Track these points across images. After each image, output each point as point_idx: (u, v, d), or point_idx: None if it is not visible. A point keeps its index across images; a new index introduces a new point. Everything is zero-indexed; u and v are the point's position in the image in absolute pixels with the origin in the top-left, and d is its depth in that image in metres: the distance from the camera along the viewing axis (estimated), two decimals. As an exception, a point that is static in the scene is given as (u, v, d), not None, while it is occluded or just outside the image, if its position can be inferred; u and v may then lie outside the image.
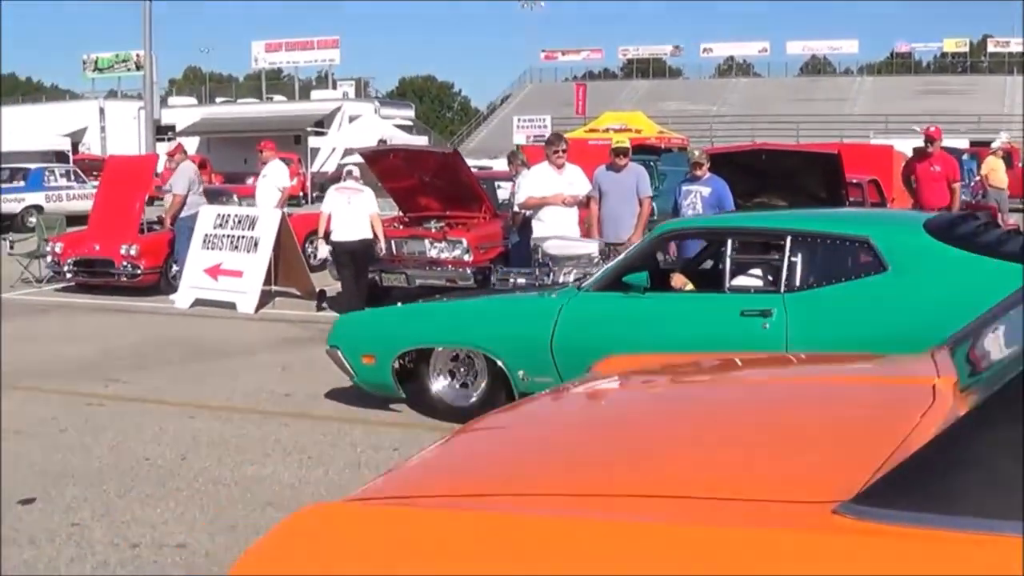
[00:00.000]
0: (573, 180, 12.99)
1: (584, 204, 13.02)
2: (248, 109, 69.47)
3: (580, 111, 62.33)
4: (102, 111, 68.48)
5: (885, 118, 65.46)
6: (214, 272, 15.66)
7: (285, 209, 16.73)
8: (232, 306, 15.54)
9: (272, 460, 8.08)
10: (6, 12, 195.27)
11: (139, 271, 17.18)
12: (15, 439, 8.86)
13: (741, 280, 8.28)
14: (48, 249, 18.44)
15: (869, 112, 71.65)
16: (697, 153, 13.81)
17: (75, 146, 55.25)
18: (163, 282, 17.28)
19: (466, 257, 14.77)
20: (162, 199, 21.24)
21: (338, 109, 63.91)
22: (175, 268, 17.06)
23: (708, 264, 9.21)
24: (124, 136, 62.45)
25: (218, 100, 77.40)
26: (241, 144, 58.07)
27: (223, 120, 65.83)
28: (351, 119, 59.35)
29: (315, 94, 73.00)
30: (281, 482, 7.51)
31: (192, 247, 16.01)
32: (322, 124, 60.68)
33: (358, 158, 18.23)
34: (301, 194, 43.44)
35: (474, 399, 8.85)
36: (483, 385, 8.90)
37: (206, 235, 15.88)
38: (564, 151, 13.04)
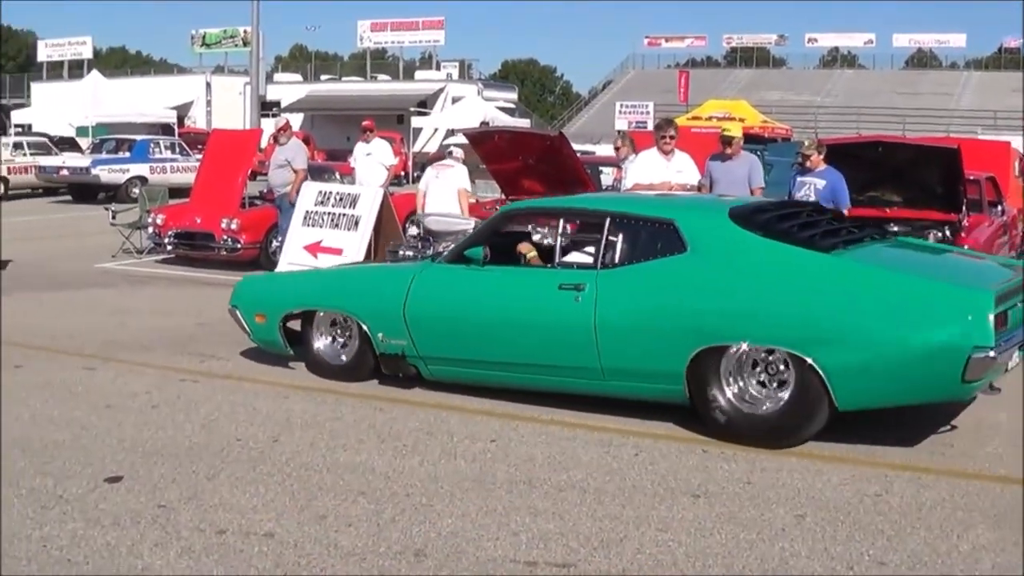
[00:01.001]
0: (682, 168, 12.55)
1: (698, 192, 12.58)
2: (352, 87, 69.65)
3: (682, 98, 61.57)
4: (208, 86, 69.10)
5: (993, 114, 63.75)
6: (314, 249, 15.45)
7: (387, 188, 16.48)
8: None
9: (366, 447, 7.78)
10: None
11: (239, 245, 17.06)
12: (106, 413, 8.69)
13: (572, 256, 9.07)
14: (150, 220, 18.42)
15: (975, 107, 69.81)
16: (807, 143, 13.29)
17: (181, 119, 55.85)
18: (263, 257, 17.16)
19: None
20: (265, 174, 21.19)
21: (442, 90, 63.74)
22: (275, 243, 16.91)
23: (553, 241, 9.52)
24: (229, 111, 62.99)
25: (323, 78, 77.64)
26: (344, 122, 58.23)
27: (327, 97, 66.04)
28: (454, 100, 59.19)
29: (419, 74, 73.02)
30: (374, 470, 7.21)
31: (292, 223, 15.84)
32: (425, 104, 60.58)
33: (461, 139, 17.94)
34: (402, 174, 43.32)
35: (345, 358, 9.82)
36: (354, 345, 9.71)
37: (307, 212, 15.69)
38: (672, 137, 12.59)
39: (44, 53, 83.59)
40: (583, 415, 8.61)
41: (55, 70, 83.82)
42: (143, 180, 31.69)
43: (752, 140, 24.36)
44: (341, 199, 15.51)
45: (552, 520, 6.31)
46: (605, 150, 34.82)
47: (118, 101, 45.48)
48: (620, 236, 8.49)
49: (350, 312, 9.64)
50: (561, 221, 9.16)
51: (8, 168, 34.14)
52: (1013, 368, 7.69)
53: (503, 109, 54.76)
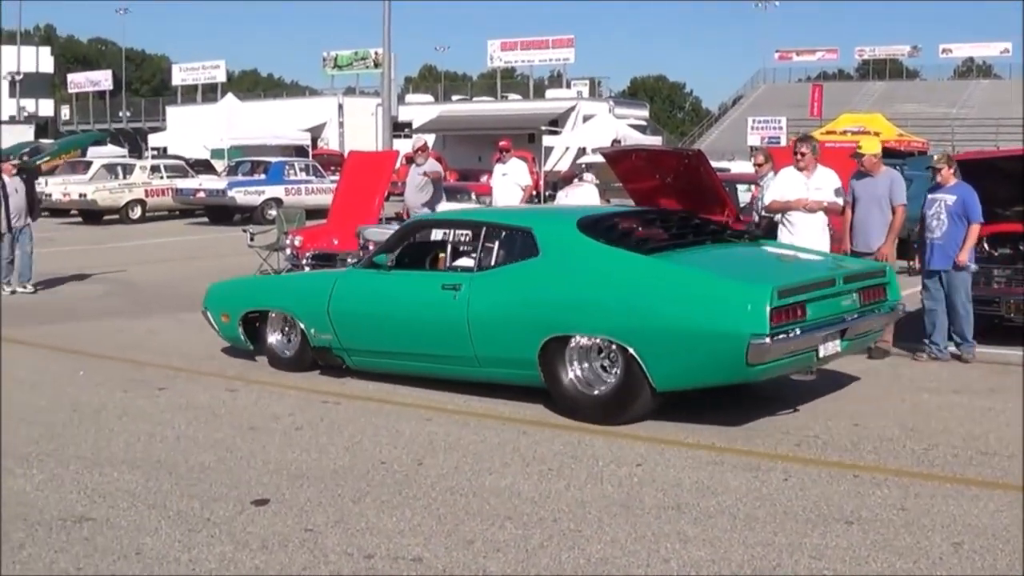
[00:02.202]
0: (821, 184, 12.29)
1: (839, 211, 12.33)
2: (483, 107, 70.11)
3: (815, 112, 60.77)
4: (341, 107, 70.18)
5: None
6: (450, 270, 15.54)
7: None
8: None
9: (511, 470, 7.76)
10: (254, 11, 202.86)
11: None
12: (250, 435, 8.81)
13: (460, 261, 10.65)
14: (287, 242, 18.67)
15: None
16: (936, 157, 12.93)
17: (314, 141, 56.72)
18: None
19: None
20: (399, 194, 21.38)
21: (572, 108, 63.82)
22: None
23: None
24: (362, 132, 63.86)
25: (454, 98, 78.41)
26: (475, 142, 58.67)
27: (459, 118, 66.57)
28: (585, 118, 59.17)
29: (549, 93, 73.23)
30: (520, 495, 7.18)
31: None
32: (556, 123, 60.67)
33: (593, 157, 17.92)
34: (534, 193, 43.41)
35: (289, 353, 11.50)
36: (296, 340, 11.41)
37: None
38: (804, 154, 12.34)
39: (178, 77, 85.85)
40: (730, 437, 8.49)
41: (189, 93, 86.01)
42: (278, 202, 32.26)
43: (891, 155, 23.87)
44: (479, 220, 15.55)
45: (703, 547, 6.21)
46: (740, 166, 34.47)
47: (252, 123, 46.27)
48: (492, 243, 10.13)
49: (290, 311, 11.40)
50: (453, 231, 10.98)
51: (146, 190, 35.15)
52: (831, 355, 9.10)
53: (634, 126, 54.51)
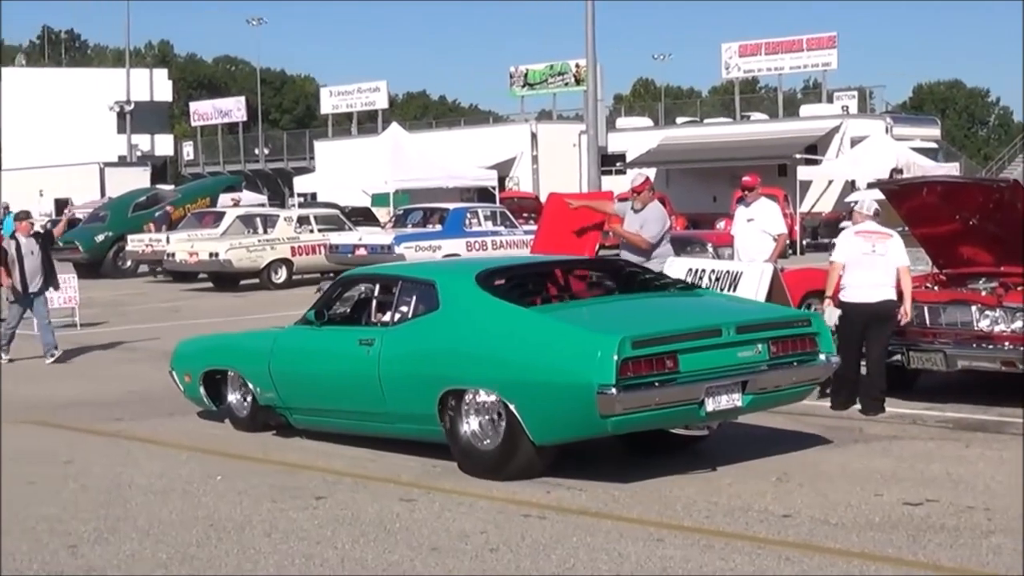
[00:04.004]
0: None
1: None
2: (717, 131, 69.81)
3: None
4: (534, 136, 70.65)
5: None
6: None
7: (778, 263, 16.45)
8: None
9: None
10: (421, 19, 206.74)
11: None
12: (432, 558, 8.99)
13: (377, 315, 12.87)
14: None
15: None
16: None
17: (501, 181, 57.16)
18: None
19: (1029, 330, 14.21)
20: (609, 246, 21.49)
21: (836, 129, 63.11)
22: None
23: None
24: (561, 168, 64.12)
25: (679, 121, 78.39)
26: (708, 176, 58.63)
27: (685, 146, 66.37)
28: (853, 142, 58.47)
29: (804, 109, 72.56)
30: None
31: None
32: (815, 149, 60.18)
33: (866, 194, 17.70)
34: (788, 242, 43.16)
35: (245, 412, 14.03)
36: (249, 399, 13.94)
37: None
38: None
39: (328, 103, 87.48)
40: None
41: (342, 124, 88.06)
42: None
43: None
44: (718, 279, 15.61)
45: None
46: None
47: (422, 160, 46.56)
48: (406, 297, 12.49)
49: (239, 370, 13.98)
50: (376, 285, 13.35)
51: (292, 248, 35.90)
52: (727, 410, 11.02)
53: (920, 150, 53.67)
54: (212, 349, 14.92)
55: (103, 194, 64.66)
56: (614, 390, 10.09)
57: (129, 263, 41.76)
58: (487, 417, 11.35)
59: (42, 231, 23.15)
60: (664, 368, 10.48)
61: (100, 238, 42.07)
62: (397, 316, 12.42)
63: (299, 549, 9.28)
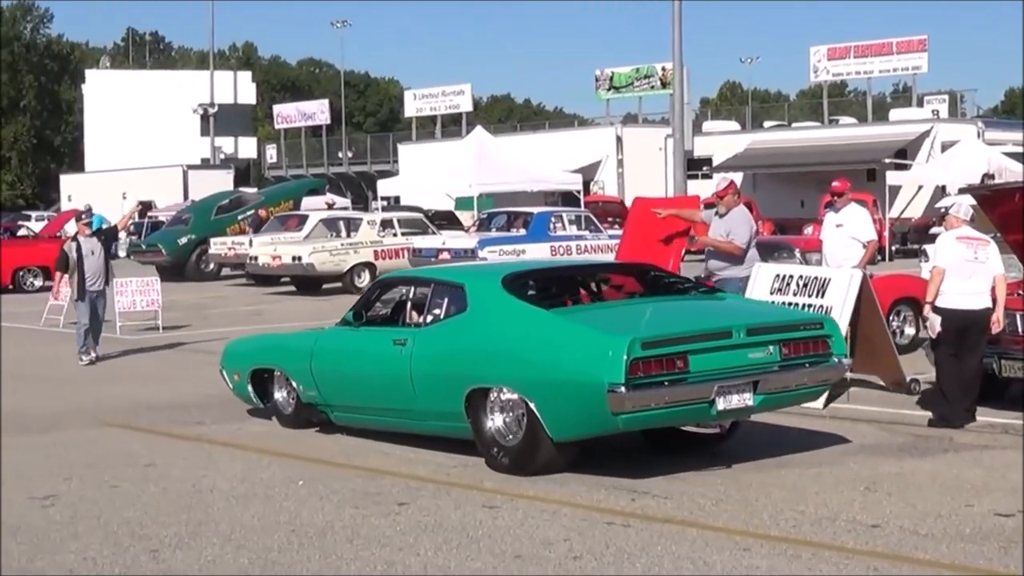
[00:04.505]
0: None
1: None
2: (805, 135, 69.39)
3: None
4: (619, 140, 70.65)
5: None
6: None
7: (867, 270, 16.33)
8: (794, 398, 15.23)
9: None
10: (506, 20, 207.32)
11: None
12: (515, 565, 9.00)
13: (411, 316, 13.71)
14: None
15: None
16: None
17: (586, 184, 57.21)
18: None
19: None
20: (694, 252, 21.42)
21: (927, 133, 62.62)
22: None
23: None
24: (647, 171, 64.01)
25: (766, 124, 78.13)
26: (796, 181, 58.27)
27: (772, 150, 66.08)
28: (943, 147, 58.03)
29: (894, 113, 72.12)
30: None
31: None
32: (904, 154, 59.74)
33: (957, 199, 17.50)
34: (877, 249, 42.82)
35: (290, 410, 14.85)
36: (294, 397, 14.76)
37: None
38: None
39: (412, 107, 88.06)
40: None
41: (425, 127, 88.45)
42: (541, 264, 32.69)
43: None
44: (806, 285, 15.53)
45: None
46: None
47: (507, 164, 46.58)
48: (438, 299, 13.25)
49: (284, 369, 14.81)
50: (411, 288, 14.03)
51: (375, 252, 36.13)
52: (738, 409, 11.61)
53: (1012, 155, 53.11)
54: (259, 349, 15.85)
55: (186, 197, 65.34)
56: (623, 388, 10.81)
57: (212, 266, 42.12)
58: (511, 415, 12.05)
59: (104, 228, 24.06)
60: (674, 368, 11.19)
61: (183, 241, 42.46)
62: (430, 317, 13.17)
63: (381, 556, 9.32)
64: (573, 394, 11.29)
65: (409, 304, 13.84)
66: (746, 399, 11.62)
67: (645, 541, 9.55)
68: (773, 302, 15.52)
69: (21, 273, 37.94)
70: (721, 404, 11.42)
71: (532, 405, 11.59)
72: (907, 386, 15.50)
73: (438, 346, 12.71)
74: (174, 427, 15.06)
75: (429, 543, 9.62)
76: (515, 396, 11.87)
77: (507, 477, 11.79)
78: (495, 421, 12.13)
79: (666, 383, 11.10)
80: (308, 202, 46.46)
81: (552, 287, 13.33)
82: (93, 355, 21.18)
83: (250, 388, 15.32)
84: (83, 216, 21.95)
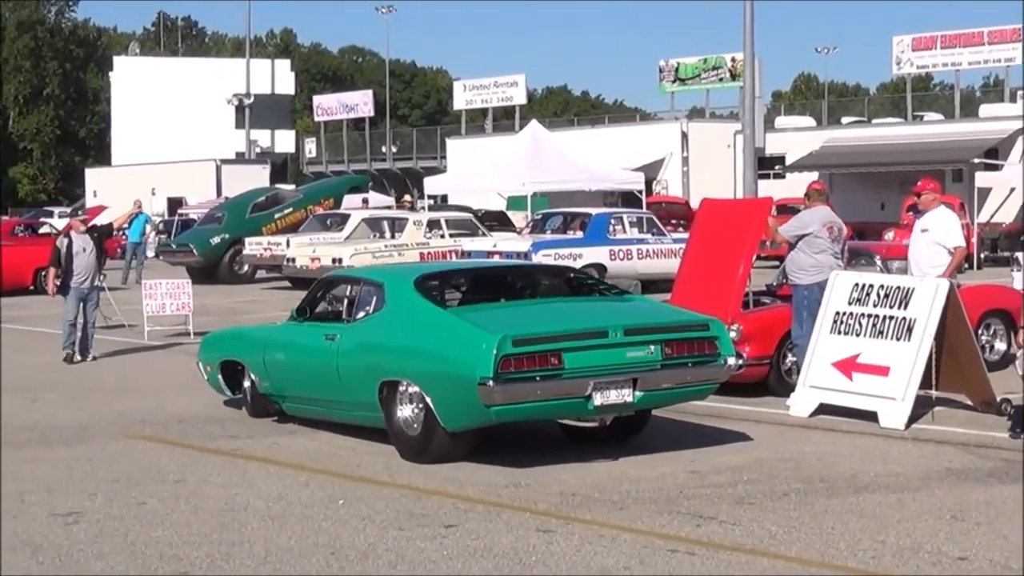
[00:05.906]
0: None
1: None
2: (887, 132, 69.01)
3: None
4: (685, 136, 70.42)
5: None
6: (847, 367, 15.42)
7: (955, 279, 16.24)
8: (873, 417, 15.26)
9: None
10: (561, 7, 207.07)
11: (742, 361, 17.21)
12: (575, 595, 8.97)
13: (344, 312, 15.44)
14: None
15: None
16: None
17: (648, 184, 57.06)
18: (773, 377, 17.23)
19: None
20: (767, 257, 21.38)
21: (1020, 131, 62.30)
22: (790, 358, 17.02)
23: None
24: (713, 170, 63.75)
25: (844, 120, 77.76)
26: (876, 182, 57.96)
27: (851, 148, 65.70)
28: (1036, 147, 57.71)
29: (984, 109, 71.61)
30: None
31: (817, 329, 15.87)
32: (995, 153, 59.37)
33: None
34: (965, 256, 42.54)
35: (250, 399, 16.54)
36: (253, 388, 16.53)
37: (838, 313, 15.70)
38: None
39: (462, 99, 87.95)
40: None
41: (475, 120, 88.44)
42: (602, 268, 32.61)
43: None
44: (887, 295, 15.44)
45: None
46: None
47: (563, 161, 46.50)
48: (365, 296, 14.93)
49: (243, 361, 16.63)
50: (349, 286, 15.80)
51: (421, 254, 36.26)
52: (617, 405, 13.04)
53: (1114, 156, 52.86)
54: (226, 341, 17.95)
55: (219, 193, 65.52)
56: (492, 383, 12.36)
57: (246, 268, 42.31)
58: (415, 406, 13.55)
59: (98, 225, 25.14)
60: (548, 364, 12.72)
61: (216, 241, 42.56)
62: (360, 314, 14.84)
63: (427, 582, 9.34)
64: (454, 387, 12.89)
65: (345, 301, 15.56)
66: (625, 395, 13.07)
67: (711, 571, 9.55)
68: (852, 314, 15.51)
69: (43, 273, 38.05)
70: (599, 399, 12.90)
71: (427, 397, 13.17)
72: (997, 406, 15.39)
73: (359, 340, 14.46)
74: (206, 441, 15.18)
75: (478, 569, 9.65)
76: (415, 389, 13.44)
77: (561, 499, 11.80)
78: (403, 412, 13.72)
79: (538, 378, 12.63)
80: (348, 200, 46.54)
81: (460, 287, 15.59)
82: (78, 356, 22.45)
83: (220, 379, 17.14)
84: (79, 212, 22.85)
